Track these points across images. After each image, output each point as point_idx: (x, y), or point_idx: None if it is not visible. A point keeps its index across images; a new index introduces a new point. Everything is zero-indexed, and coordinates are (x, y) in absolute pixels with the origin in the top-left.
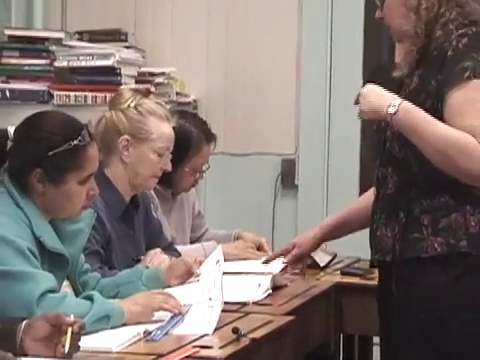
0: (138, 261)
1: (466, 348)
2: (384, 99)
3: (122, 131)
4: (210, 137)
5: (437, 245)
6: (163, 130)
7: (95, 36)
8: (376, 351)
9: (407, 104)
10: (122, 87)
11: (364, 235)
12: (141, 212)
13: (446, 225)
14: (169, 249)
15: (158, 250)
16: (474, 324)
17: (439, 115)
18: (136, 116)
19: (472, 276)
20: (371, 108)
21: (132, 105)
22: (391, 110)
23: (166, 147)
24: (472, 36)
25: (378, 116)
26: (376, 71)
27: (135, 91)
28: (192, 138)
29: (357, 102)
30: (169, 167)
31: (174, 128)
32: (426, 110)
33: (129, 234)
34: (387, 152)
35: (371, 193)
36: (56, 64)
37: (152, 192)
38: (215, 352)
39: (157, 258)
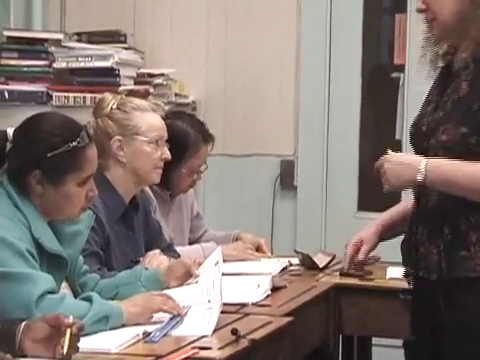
0: (137, 262)
1: None
2: (410, 168)
3: (112, 134)
4: (207, 137)
5: None
6: (150, 121)
7: (94, 37)
8: (375, 352)
9: (432, 163)
10: (102, 94)
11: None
12: (141, 213)
13: None
14: (168, 250)
15: (157, 251)
16: None
17: None
18: (121, 115)
19: None
20: (401, 183)
21: (114, 107)
22: (420, 178)
23: (159, 136)
24: None
25: (410, 186)
26: (375, 71)
27: (114, 93)
28: (189, 139)
29: (377, 172)
30: (168, 155)
31: (168, 128)
32: (478, 122)
33: (128, 235)
34: None
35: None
36: (55, 65)
37: (150, 193)
38: (214, 353)
39: (156, 259)
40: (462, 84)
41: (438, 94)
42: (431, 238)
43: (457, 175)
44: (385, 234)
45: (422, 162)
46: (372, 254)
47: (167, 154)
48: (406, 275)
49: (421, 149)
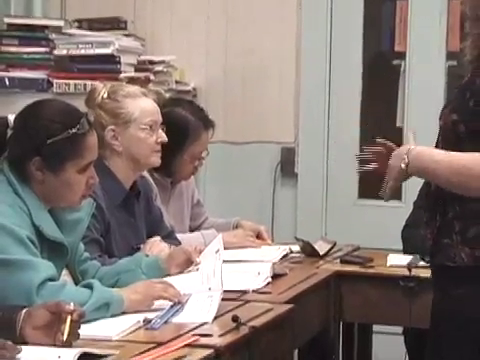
0: (138, 249)
1: None
2: (397, 156)
3: (105, 124)
4: (208, 124)
5: (464, 255)
6: (143, 106)
7: (94, 24)
8: (375, 339)
9: (414, 151)
10: (94, 84)
11: (363, 225)
12: (142, 200)
13: (475, 234)
14: (169, 237)
15: (158, 238)
16: None
17: (478, 118)
18: (112, 104)
19: None
20: (390, 173)
21: (105, 96)
22: (403, 166)
23: (153, 120)
24: None
25: (398, 175)
26: (376, 58)
27: (104, 82)
28: (189, 125)
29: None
30: (164, 138)
31: (168, 115)
32: (468, 111)
33: (129, 222)
34: (437, 146)
35: None
36: (55, 52)
37: (151, 180)
38: (215, 340)
39: (156, 246)
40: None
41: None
42: (428, 222)
43: (437, 166)
44: None
45: (407, 149)
46: None
47: (163, 137)
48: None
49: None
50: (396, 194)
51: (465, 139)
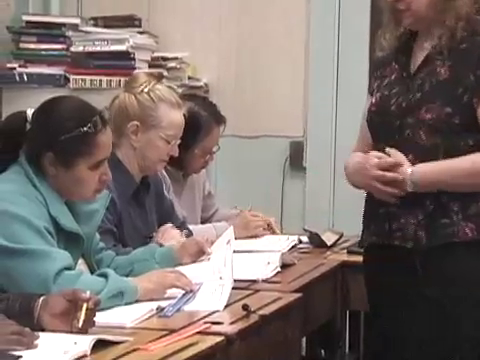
0: (150, 238)
1: None
2: (400, 183)
3: (132, 116)
4: (219, 119)
5: (468, 230)
6: (172, 118)
7: (110, 22)
8: None
9: (418, 171)
10: (137, 71)
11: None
12: (152, 193)
13: (476, 211)
14: (181, 228)
15: (169, 226)
16: None
17: (473, 111)
18: (147, 102)
19: None
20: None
21: (145, 90)
22: (410, 189)
23: (175, 135)
24: None
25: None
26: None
27: (150, 76)
28: (202, 121)
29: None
30: (176, 153)
31: (184, 115)
32: (462, 104)
33: (141, 213)
34: (407, 139)
35: None
36: (72, 49)
37: (164, 173)
38: (225, 328)
39: (168, 233)
40: (440, 69)
41: (402, 77)
42: (410, 209)
43: (445, 178)
44: None
45: (408, 174)
46: None
47: (175, 151)
48: (370, 244)
49: (391, 128)
50: None
51: (456, 130)
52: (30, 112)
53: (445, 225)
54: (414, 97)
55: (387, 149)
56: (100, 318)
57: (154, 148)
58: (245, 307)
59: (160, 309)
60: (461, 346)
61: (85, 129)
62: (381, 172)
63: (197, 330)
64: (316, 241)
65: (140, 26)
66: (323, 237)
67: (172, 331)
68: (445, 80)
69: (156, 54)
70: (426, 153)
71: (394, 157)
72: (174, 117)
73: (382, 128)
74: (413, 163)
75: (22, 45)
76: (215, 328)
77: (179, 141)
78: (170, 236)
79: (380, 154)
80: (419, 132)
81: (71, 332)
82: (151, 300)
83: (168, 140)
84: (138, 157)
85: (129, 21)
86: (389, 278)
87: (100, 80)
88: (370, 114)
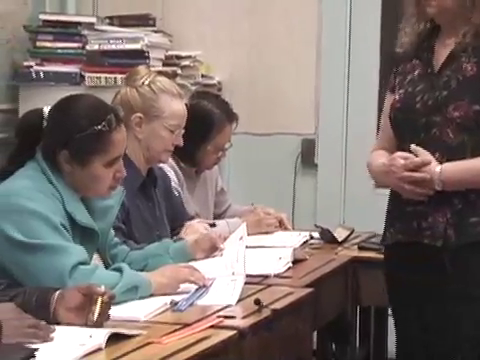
0: (160, 238)
1: None
2: (428, 182)
3: (135, 108)
4: (231, 116)
5: None
6: (174, 108)
7: (125, 21)
8: (391, 322)
9: (446, 169)
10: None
11: (380, 213)
12: (160, 187)
13: None
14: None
15: (195, 221)
16: None
17: None
18: (148, 94)
19: None
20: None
21: (146, 83)
22: (439, 188)
23: (178, 124)
24: None
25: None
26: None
27: (150, 69)
28: (214, 118)
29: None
30: (181, 143)
31: (195, 107)
32: None
33: (148, 207)
34: (434, 137)
35: None
36: (88, 47)
37: (178, 169)
38: (238, 322)
39: (191, 229)
40: (466, 66)
41: (427, 74)
42: (438, 207)
43: (473, 176)
44: None
45: (437, 174)
46: None
47: (180, 141)
48: (394, 242)
49: (416, 126)
50: None
51: None
52: (47, 109)
53: (474, 224)
54: (441, 95)
55: (412, 147)
56: (115, 312)
57: (158, 138)
58: (257, 302)
59: (174, 303)
60: None
61: (99, 127)
62: (408, 173)
63: (210, 324)
64: (327, 237)
65: (154, 25)
66: (334, 233)
67: (185, 325)
68: (472, 77)
69: (170, 53)
70: (453, 151)
71: (421, 156)
72: (176, 107)
73: (407, 126)
74: (440, 162)
75: (39, 44)
76: (228, 322)
77: (189, 134)
78: (192, 230)
79: (406, 154)
80: (446, 130)
81: (86, 325)
82: (165, 294)
83: (171, 130)
84: (143, 148)
85: (144, 20)
86: (413, 276)
87: (115, 78)
88: (394, 111)
